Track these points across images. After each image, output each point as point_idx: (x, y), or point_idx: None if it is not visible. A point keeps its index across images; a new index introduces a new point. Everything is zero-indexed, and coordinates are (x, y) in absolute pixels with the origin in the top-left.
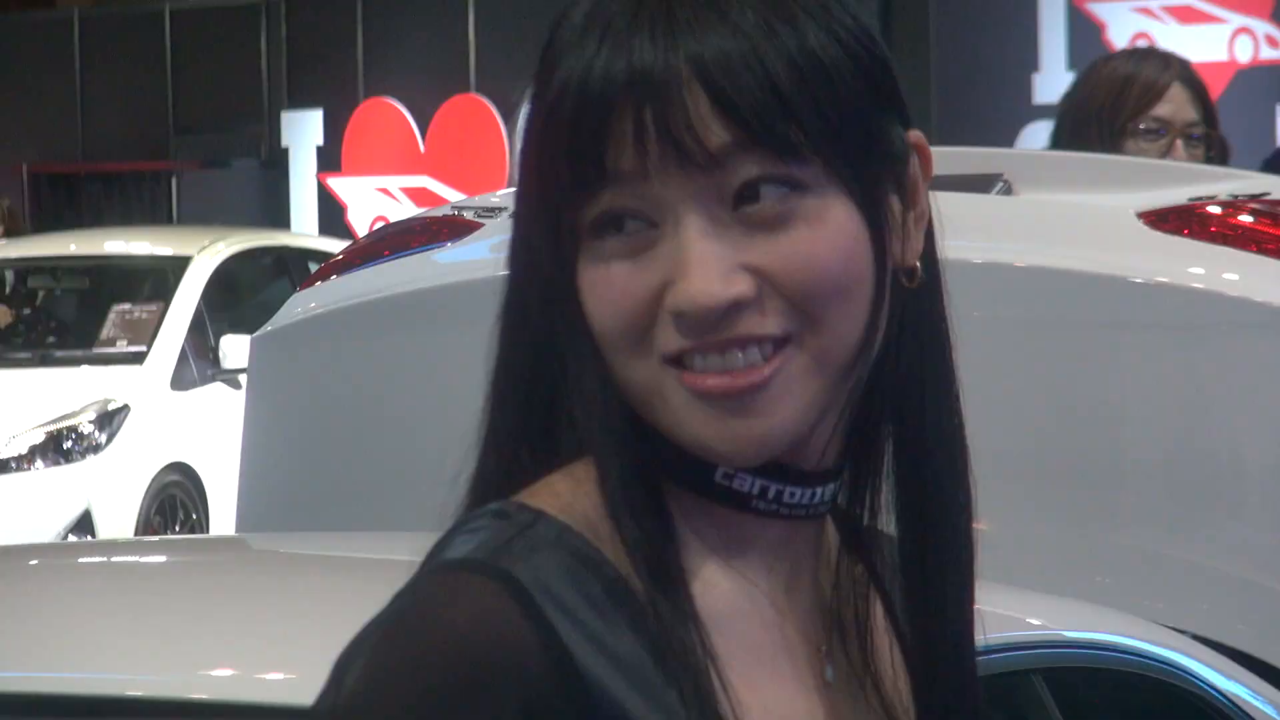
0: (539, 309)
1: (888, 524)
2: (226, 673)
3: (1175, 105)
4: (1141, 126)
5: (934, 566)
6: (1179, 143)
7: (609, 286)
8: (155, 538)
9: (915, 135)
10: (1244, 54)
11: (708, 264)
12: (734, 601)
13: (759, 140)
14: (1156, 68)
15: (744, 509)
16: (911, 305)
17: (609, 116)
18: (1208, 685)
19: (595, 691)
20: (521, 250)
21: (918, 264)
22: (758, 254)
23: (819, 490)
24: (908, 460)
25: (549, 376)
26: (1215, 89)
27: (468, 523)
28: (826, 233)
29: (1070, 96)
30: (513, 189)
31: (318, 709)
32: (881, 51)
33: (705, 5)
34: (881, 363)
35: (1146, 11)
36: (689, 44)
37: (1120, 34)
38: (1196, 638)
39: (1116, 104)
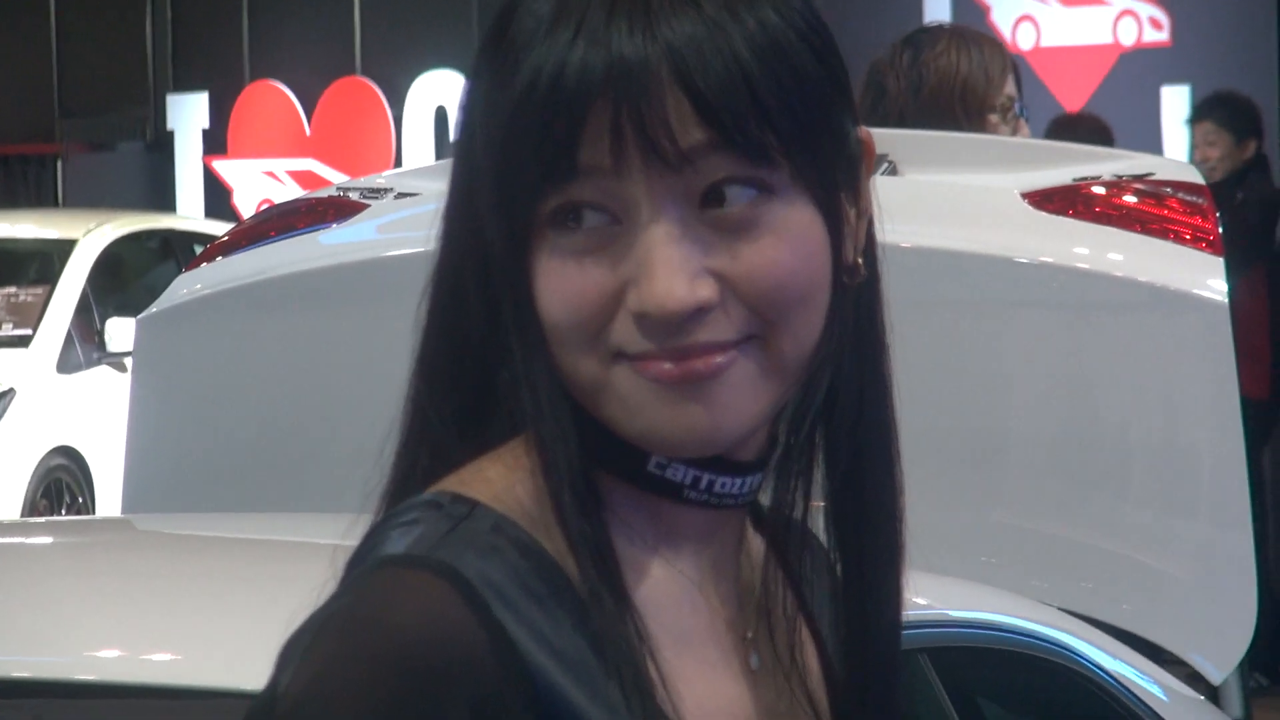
0: (478, 293)
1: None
2: (113, 653)
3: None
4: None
5: (874, 553)
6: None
7: (567, 281)
8: (41, 519)
9: (865, 133)
10: (1128, 37)
11: (674, 267)
12: (665, 590)
13: (732, 142)
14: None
15: (675, 498)
16: (853, 302)
17: (585, 111)
18: (1091, 663)
19: (541, 686)
20: (462, 234)
21: (860, 260)
22: (723, 260)
23: (748, 480)
24: (842, 452)
25: (481, 361)
26: (1100, 72)
27: (401, 514)
28: (792, 242)
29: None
30: (398, 170)
31: (253, 711)
32: (835, 44)
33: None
34: (822, 360)
35: None
36: (664, 33)
37: (1004, 17)
38: (1081, 616)
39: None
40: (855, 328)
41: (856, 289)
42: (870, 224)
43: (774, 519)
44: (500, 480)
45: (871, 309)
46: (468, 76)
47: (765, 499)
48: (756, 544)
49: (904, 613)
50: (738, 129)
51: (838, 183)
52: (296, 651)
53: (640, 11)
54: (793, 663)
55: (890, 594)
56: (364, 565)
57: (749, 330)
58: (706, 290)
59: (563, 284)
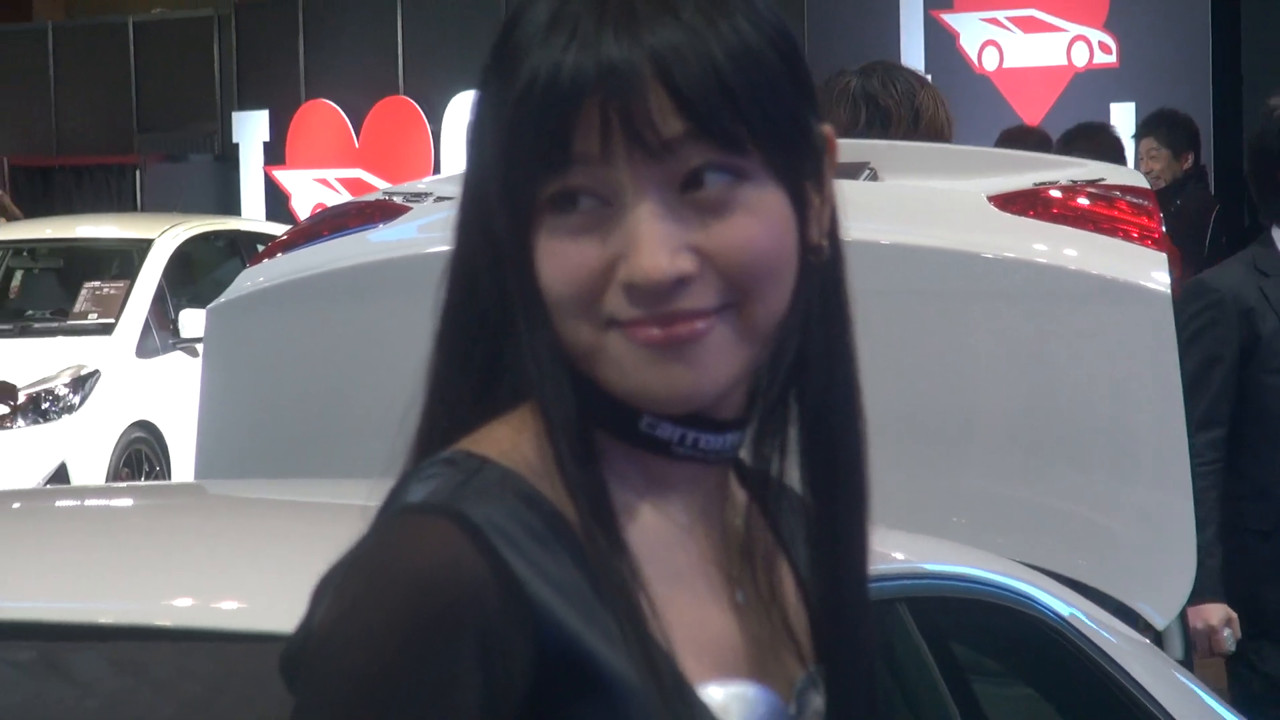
0: (488, 276)
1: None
2: (186, 602)
3: None
4: None
5: (842, 502)
6: None
7: (565, 258)
8: (124, 484)
9: (828, 129)
10: (1080, 59)
11: (657, 242)
12: (657, 533)
13: (708, 132)
14: None
15: (665, 454)
16: (818, 278)
17: (578, 107)
18: (1048, 609)
19: (544, 618)
20: (474, 221)
21: (825, 242)
22: (701, 236)
23: (728, 437)
24: (812, 413)
25: (491, 335)
26: (1055, 90)
27: (421, 470)
28: (762, 220)
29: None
30: (436, 177)
31: (295, 640)
32: (798, 45)
33: (658, 5)
34: (790, 328)
35: (994, 22)
36: (648, 39)
37: (971, 41)
38: (1040, 569)
39: None
40: (821, 300)
41: (822, 266)
42: (834, 209)
43: (754, 472)
44: (508, 439)
45: (836, 284)
46: (477, 84)
47: (746, 456)
48: (739, 495)
49: (872, 557)
50: (713, 120)
51: (803, 171)
52: (328, 589)
53: (626, 20)
54: (773, 597)
55: (858, 536)
56: (387, 514)
57: (725, 299)
58: (686, 263)
59: (561, 260)
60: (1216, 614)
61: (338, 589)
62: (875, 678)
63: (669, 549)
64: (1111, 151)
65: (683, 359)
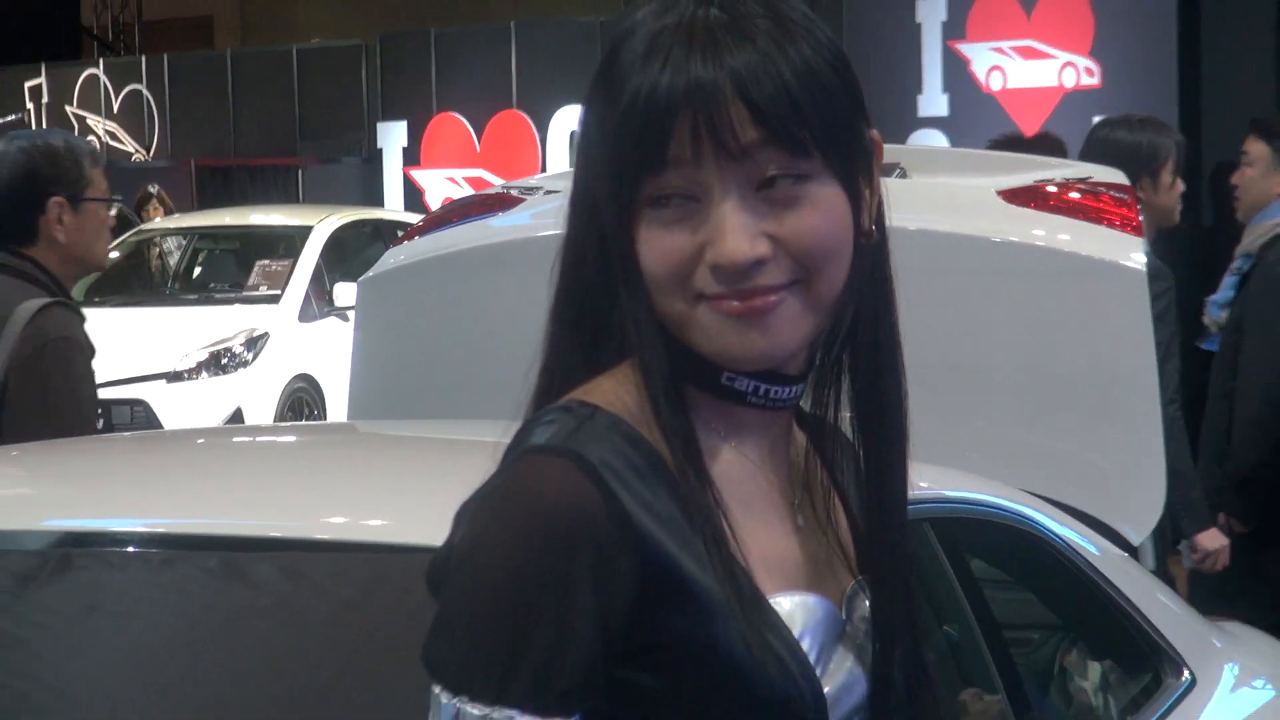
0: (595, 256)
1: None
2: (340, 519)
3: None
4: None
5: (885, 442)
6: None
7: (663, 244)
8: (288, 424)
9: (875, 134)
10: (1069, 81)
11: (739, 231)
12: (734, 469)
13: (780, 139)
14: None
15: (741, 403)
16: (869, 259)
17: (673, 120)
18: (1046, 528)
19: (647, 541)
20: (583, 213)
21: (873, 228)
22: (774, 225)
23: (793, 388)
24: (863, 369)
25: (598, 305)
26: (1049, 107)
27: (542, 417)
28: (824, 212)
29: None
30: (544, 175)
31: (440, 554)
32: (852, 69)
33: (737, 34)
34: (846, 299)
35: (999, 50)
36: (728, 62)
37: (980, 66)
38: (1039, 495)
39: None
40: (870, 276)
41: (871, 248)
42: (880, 201)
43: (813, 418)
44: (613, 391)
45: (882, 263)
46: (583, 102)
47: (806, 403)
48: (800, 437)
49: (909, 486)
50: (783, 129)
51: (857, 170)
52: (465, 516)
53: (710, 47)
54: (828, 521)
55: (899, 468)
56: (516, 453)
57: (794, 277)
58: (763, 247)
59: (659, 246)
60: (1215, 539)
61: (475, 515)
62: (913, 587)
63: (744, 481)
64: (1059, 152)
65: (758, 326)
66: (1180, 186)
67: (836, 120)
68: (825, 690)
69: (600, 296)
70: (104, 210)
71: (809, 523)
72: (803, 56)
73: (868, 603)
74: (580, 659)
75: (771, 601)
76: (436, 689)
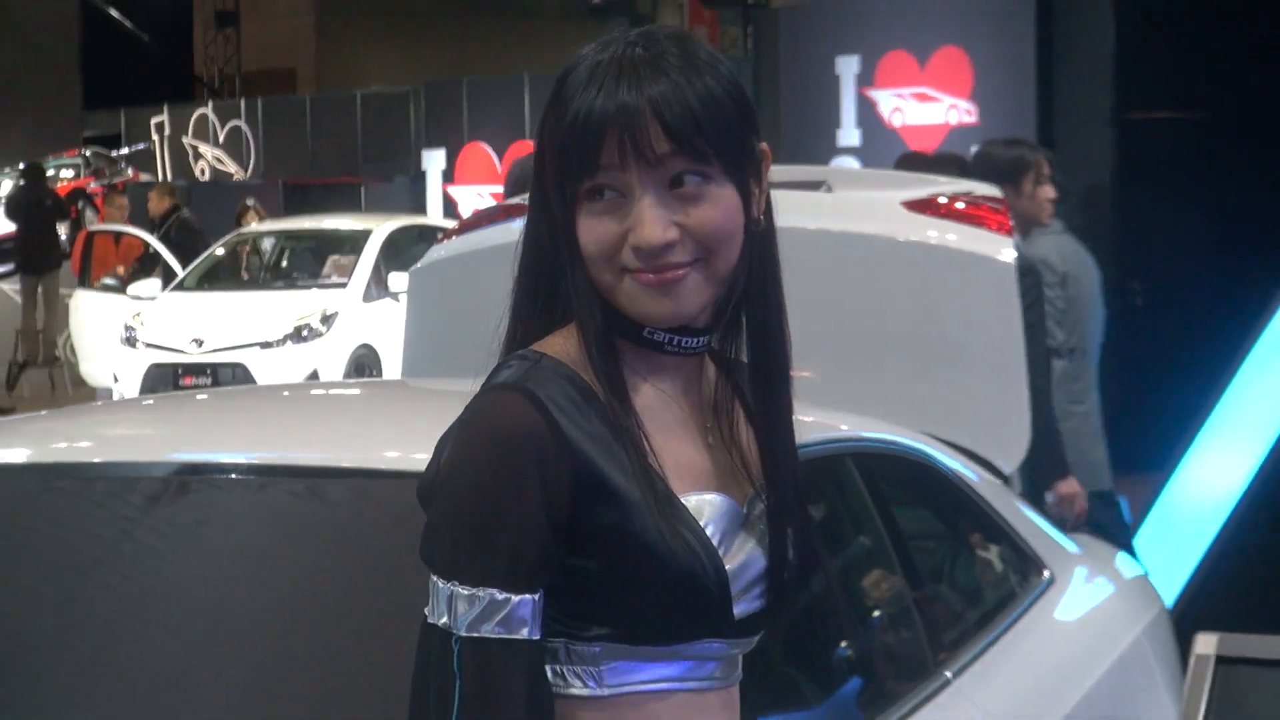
0: (548, 240)
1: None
2: (394, 453)
3: None
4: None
5: (773, 379)
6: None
7: (596, 229)
8: (354, 380)
9: (764, 145)
10: (953, 119)
11: (655, 221)
12: (653, 400)
13: (686, 150)
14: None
15: (659, 350)
16: (758, 241)
17: (604, 135)
18: (938, 461)
19: (578, 453)
20: (538, 206)
21: (761, 218)
22: (682, 217)
23: (701, 339)
24: (757, 323)
25: (550, 277)
26: (938, 139)
27: (506, 363)
28: (721, 207)
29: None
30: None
31: (426, 476)
32: (746, 93)
33: (655, 69)
34: (740, 272)
35: (900, 95)
36: (648, 90)
37: (885, 108)
38: (933, 436)
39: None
40: (759, 254)
41: (759, 233)
42: (768, 196)
43: (722, 357)
44: (560, 343)
45: (769, 245)
46: (540, 119)
47: (716, 347)
48: (712, 372)
49: (793, 409)
50: (689, 143)
51: (748, 173)
52: (446, 439)
53: (635, 79)
54: (733, 440)
55: (784, 398)
56: (482, 391)
57: (697, 256)
58: (672, 234)
59: (593, 230)
60: (1074, 485)
61: (453, 439)
62: (801, 491)
63: (661, 409)
64: (959, 167)
65: (669, 294)
66: (1046, 193)
67: (731, 135)
68: (728, 567)
69: (551, 270)
70: None
71: (718, 441)
72: (706, 86)
73: (763, 505)
74: (538, 544)
75: (683, 499)
76: (434, 578)
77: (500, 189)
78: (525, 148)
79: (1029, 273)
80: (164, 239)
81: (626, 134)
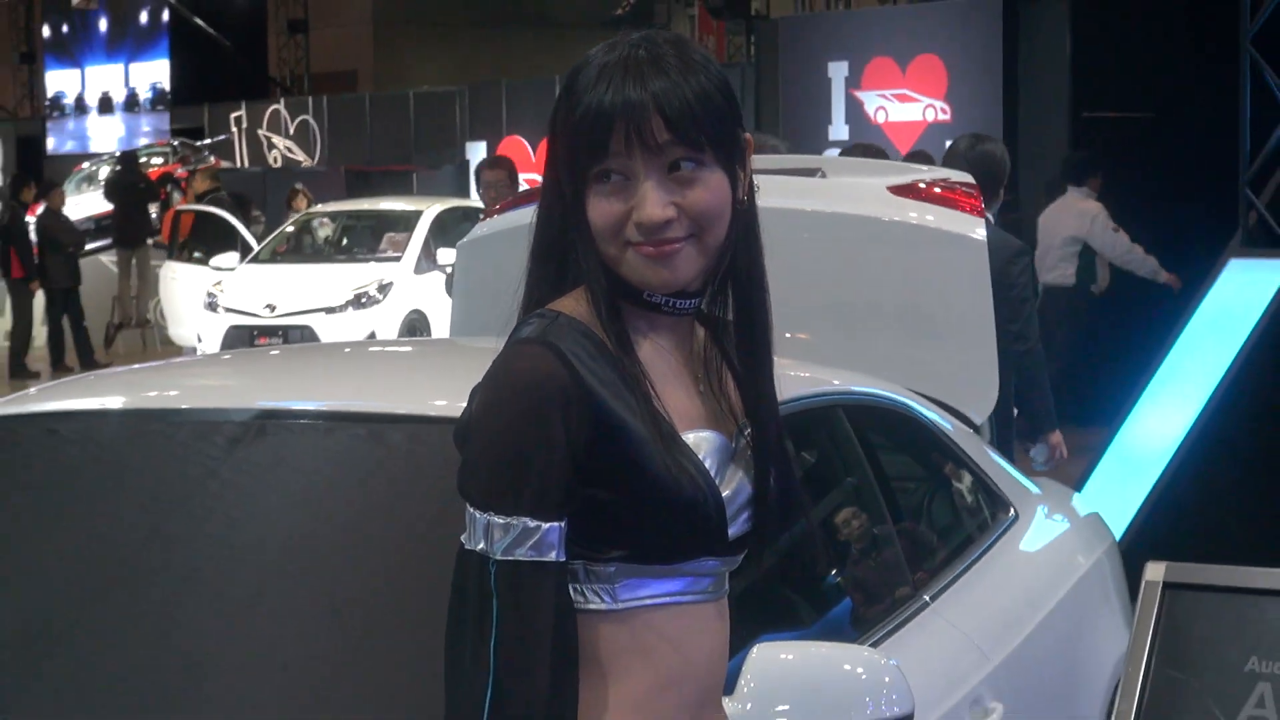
0: (559, 216)
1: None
2: (442, 401)
3: None
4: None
5: (756, 335)
6: None
7: (603, 207)
8: (406, 338)
9: (749, 136)
10: (930, 117)
11: (656, 201)
12: (653, 353)
13: (683, 139)
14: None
15: (657, 311)
16: (743, 219)
17: (612, 125)
18: (919, 412)
19: (595, 397)
20: (551, 187)
21: (746, 199)
22: (679, 198)
23: (693, 301)
24: (741, 287)
25: (561, 249)
26: (916, 134)
27: (526, 321)
28: (712, 189)
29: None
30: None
31: (461, 421)
32: (733, 90)
33: (656, 69)
34: (727, 245)
35: (883, 96)
36: (650, 86)
37: (871, 107)
38: (914, 391)
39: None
40: (744, 230)
41: (744, 212)
42: (751, 180)
43: (710, 318)
44: (572, 304)
45: (752, 222)
46: (552, 112)
47: (706, 309)
48: (701, 331)
49: (774, 361)
50: (685, 133)
51: (734, 161)
52: (478, 389)
53: (639, 77)
54: (720, 388)
55: (765, 350)
56: (508, 345)
57: (690, 232)
58: (670, 212)
59: (601, 209)
60: (1059, 436)
61: (484, 388)
62: (781, 429)
63: (660, 361)
64: (928, 162)
65: (666, 265)
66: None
67: (721, 127)
68: (723, 494)
69: (561, 244)
70: None
71: (707, 389)
72: (700, 84)
73: (748, 439)
74: (562, 478)
75: (683, 436)
76: (470, 510)
77: (535, 176)
78: None
79: (1024, 253)
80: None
81: (632, 125)
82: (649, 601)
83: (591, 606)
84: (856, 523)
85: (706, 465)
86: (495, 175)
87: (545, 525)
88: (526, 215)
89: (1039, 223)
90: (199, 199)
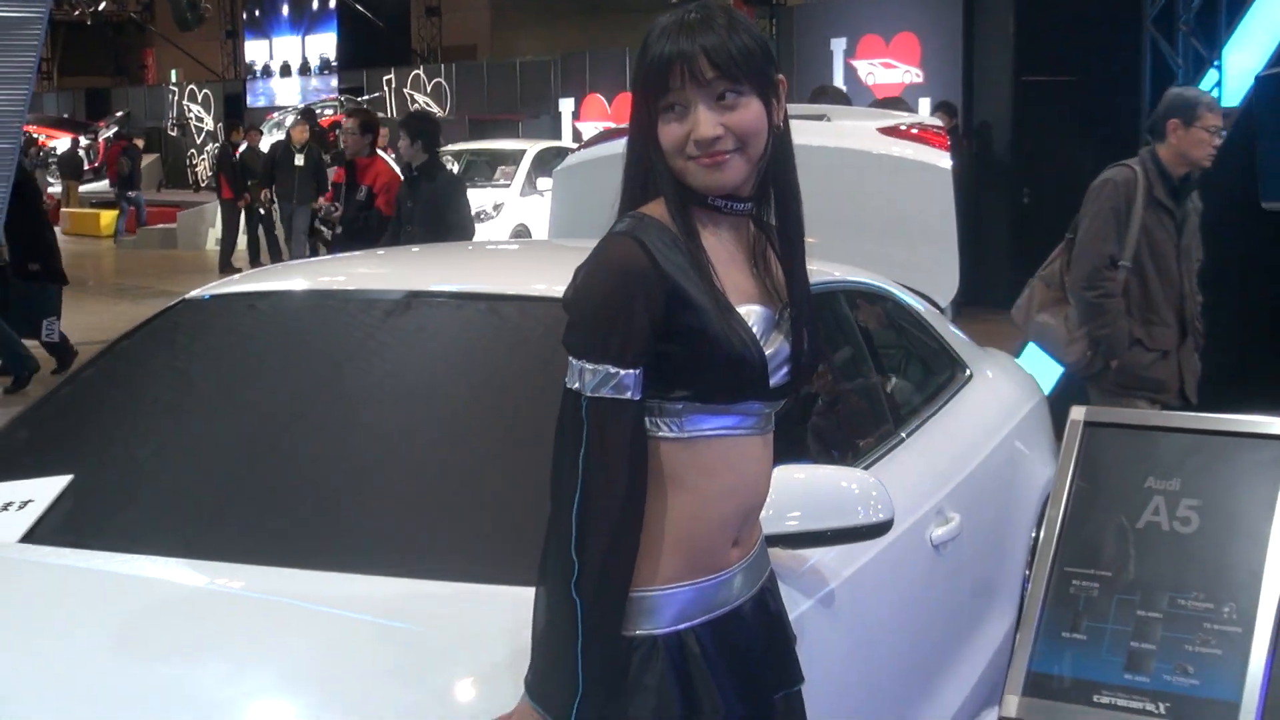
0: (640, 140)
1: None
2: (542, 286)
3: None
4: None
5: (792, 232)
6: None
7: (670, 131)
8: (515, 239)
9: (782, 78)
10: (908, 79)
11: (707, 122)
12: (716, 243)
13: (727, 76)
14: None
15: (718, 212)
16: (777, 139)
17: (670, 67)
18: (900, 297)
19: (669, 278)
20: (636, 120)
21: (780, 124)
22: (726, 119)
23: (746, 204)
24: (780, 194)
25: (644, 168)
26: (897, 92)
27: (619, 220)
28: (752, 114)
29: None
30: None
31: (567, 293)
32: (769, 44)
33: (706, 27)
34: (766, 158)
35: (872, 64)
36: (699, 40)
37: (862, 71)
38: (896, 281)
39: None
40: (779, 148)
41: (778, 135)
42: (785, 110)
43: (758, 220)
44: (655, 208)
45: (785, 143)
46: (635, 62)
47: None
48: (752, 228)
49: (808, 254)
50: (729, 73)
51: (769, 94)
52: (581, 268)
53: (689, 32)
54: (768, 271)
55: (799, 244)
56: (606, 236)
57: (736, 146)
58: (719, 130)
59: (667, 132)
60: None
61: (586, 268)
62: (812, 306)
63: (722, 250)
64: (841, 99)
65: (718, 170)
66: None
67: (756, 66)
68: (766, 352)
69: (645, 163)
70: None
71: (757, 274)
72: (741, 39)
73: (788, 315)
74: (641, 337)
75: (737, 308)
76: (571, 359)
77: (609, 124)
78: (628, 98)
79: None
80: (307, 157)
81: (686, 66)
82: (708, 432)
83: (663, 435)
84: (853, 380)
85: (754, 330)
86: (350, 123)
87: (624, 372)
88: (604, 149)
89: None
90: (301, 147)
